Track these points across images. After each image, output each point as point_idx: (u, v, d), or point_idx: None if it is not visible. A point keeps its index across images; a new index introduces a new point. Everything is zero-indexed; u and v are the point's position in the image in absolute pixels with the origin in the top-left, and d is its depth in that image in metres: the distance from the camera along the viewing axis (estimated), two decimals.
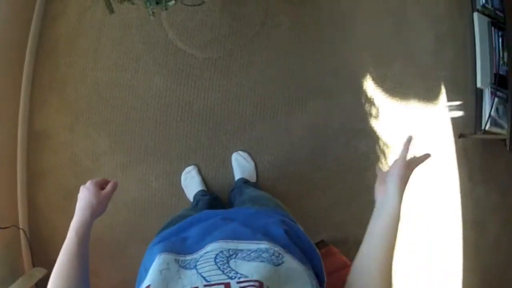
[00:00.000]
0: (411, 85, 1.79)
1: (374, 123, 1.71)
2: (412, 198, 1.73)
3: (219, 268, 0.43)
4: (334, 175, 1.67)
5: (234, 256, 0.46)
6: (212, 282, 0.41)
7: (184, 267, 0.46)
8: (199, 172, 1.60)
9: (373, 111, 1.72)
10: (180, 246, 0.54)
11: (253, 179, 1.57)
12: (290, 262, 0.46)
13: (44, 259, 1.75)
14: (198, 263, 0.45)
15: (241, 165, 1.57)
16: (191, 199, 1.56)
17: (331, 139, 1.68)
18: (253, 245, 0.49)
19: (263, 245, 0.49)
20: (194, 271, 0.44)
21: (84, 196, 0.67)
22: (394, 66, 1.77)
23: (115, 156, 1.68)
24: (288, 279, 0.43)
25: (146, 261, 0.61)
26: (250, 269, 0.42)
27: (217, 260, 0.45)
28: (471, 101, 1.83)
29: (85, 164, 1.70)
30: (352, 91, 1.72)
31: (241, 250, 0.48)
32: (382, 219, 0.58)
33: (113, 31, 1.67)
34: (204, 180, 1.60)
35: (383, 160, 1.72)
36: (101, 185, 0.71)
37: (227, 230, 0.55)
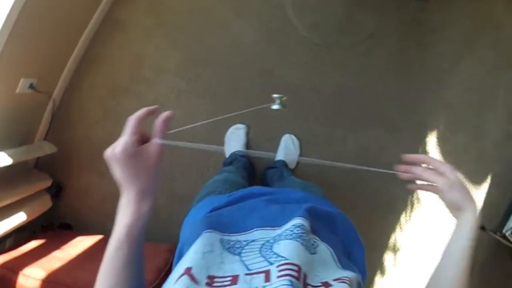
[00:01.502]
0: (465, 161, 1.81)
1: None
2: (402, 270, 1.76)
3: (262, 255, 0.43)
4: (362, 201, 1.68)
5: (278, 239, 0.46)
6: (253, 271, 0.40)
7: (228, 250, 0.45)
8: (247, 133, 1.59)
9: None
10: (226, 222, 0.53)
11: (292, 166, 1.56)
12: (324, 251, 0.46)
13: (59, 138, 1.71)
14: (243, 251, 0.44)
15: (288, 148, 1.56)
16: (227, 153, 1.54)
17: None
18: (296, 220, 0.49)
19: (302, 221, 0.49)
20: (237, 257, 0.43)
21: (121, 178, 0.46)
22: (459, 137, 1.79)
23: (177, 79, 1.66)
24: (320, 267, 0.42)
25: (190, 226, 0.59)
26: (291, 250, 0.42)
27: (262, 249, 0.44)
28: (506, 204, 1.87)
29: (145, 73, 1.67)
30: (415, 136, 1.74)
31: (285, 231, 0.48)
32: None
33: None
34: (247, 144, 1.58)
35: (408, 212, 1.73)
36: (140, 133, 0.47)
37: (275, 215, 0.55)
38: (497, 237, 1.81)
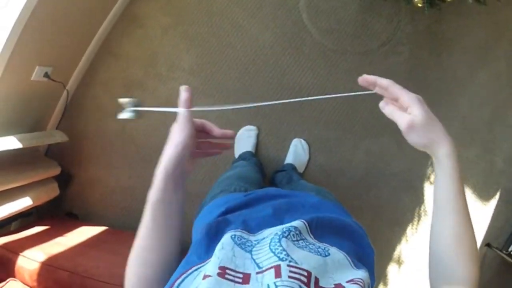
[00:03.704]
0: (474, 174, 1.79)
1: (427, 186, 1.71)
2: (405, 282, 1.74)
3: (271, 250, 0.42)
4: (369, 210, 1.67)
5: (286, 234, 0.45)
6: (263, 268, 0.39)
7: (240, 246, 0.45)
8: (257, 135, 1.59)
9: (432, 177, 1.72)
10: (244, 226, 0.53)
11: (301, 170, 1.56)
12: (337, 253, 0.46)
13: (70, 128, 1.73)
14: (253, 249, 0.44)
15: (297, 152, 1.56)
16: (237, 154, 1.55)
17: (384, 178, 1.68)
18: (296, 222, 0.50)
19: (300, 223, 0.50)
20: (248, 255, 0.43)
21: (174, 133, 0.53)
22: (470, 151, 1.78)
23: (191, 77, 1.67)
24: (334, 269, 0.42)
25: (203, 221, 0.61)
26: (300, 257, 0.42)
27: (271, 244, 0.44)
28: None
29: (160, 69, 1.69)
30: None
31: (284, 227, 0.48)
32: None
33: None
34: (256, 146, 1.59)
35: (414, 224, 1.72)
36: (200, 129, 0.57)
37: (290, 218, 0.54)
38: (503, 255, 1.78)
